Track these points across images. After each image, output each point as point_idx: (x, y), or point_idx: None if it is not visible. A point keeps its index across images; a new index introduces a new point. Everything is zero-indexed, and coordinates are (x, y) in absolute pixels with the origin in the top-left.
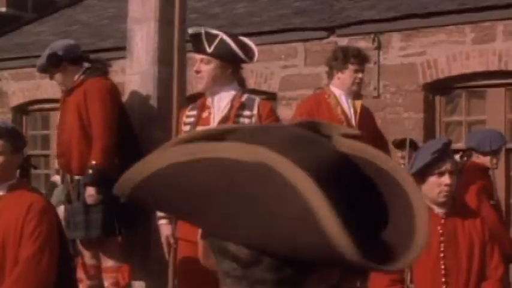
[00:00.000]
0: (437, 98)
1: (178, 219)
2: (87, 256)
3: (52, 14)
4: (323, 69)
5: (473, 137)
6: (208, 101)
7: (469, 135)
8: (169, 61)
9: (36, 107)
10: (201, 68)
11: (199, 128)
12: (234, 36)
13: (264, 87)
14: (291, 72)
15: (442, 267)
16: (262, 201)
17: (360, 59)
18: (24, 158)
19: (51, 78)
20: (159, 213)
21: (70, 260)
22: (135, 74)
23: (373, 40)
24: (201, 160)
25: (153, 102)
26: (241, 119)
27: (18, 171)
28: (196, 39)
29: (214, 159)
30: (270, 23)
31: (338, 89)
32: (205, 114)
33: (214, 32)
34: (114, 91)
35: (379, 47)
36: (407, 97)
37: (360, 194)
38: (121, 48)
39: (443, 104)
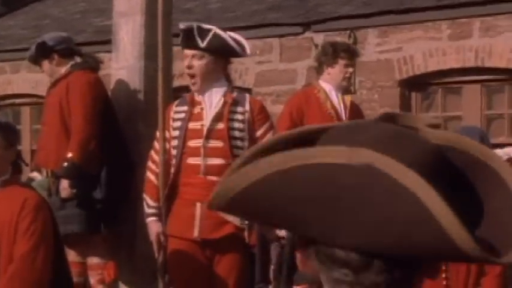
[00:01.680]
0: (414, 94)
1: (278, 228)
2: (72, 253)
3: (22, 8)
4: (299, 65)
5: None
6: (198, 96)
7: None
8: (155, 55)
9: (7, 102)
10: (193, 64)
11: (191, 124)
12: (225, 31)
13: (238, 83)
14: (266, 68)
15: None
16: (370, 204)
17: (350, 53)
18: (17, 153)
19: (41, 68)
20: (148, 210)
21: (65, 256)
22: (121, 68)
23: (349, 36)
24: (301, 167)
25: (140, 97)
26: (235, 115)
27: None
28: (188, 34)
29: (314, 165)
30: (245, 18)
31: (328, 84)
32: (196, 110)
33: (207, 26)
34: (97, 85)
35: (355, 43)
36: (383, 93)
37: (458, 186)
38: (93, 43)
39: (419, 100)
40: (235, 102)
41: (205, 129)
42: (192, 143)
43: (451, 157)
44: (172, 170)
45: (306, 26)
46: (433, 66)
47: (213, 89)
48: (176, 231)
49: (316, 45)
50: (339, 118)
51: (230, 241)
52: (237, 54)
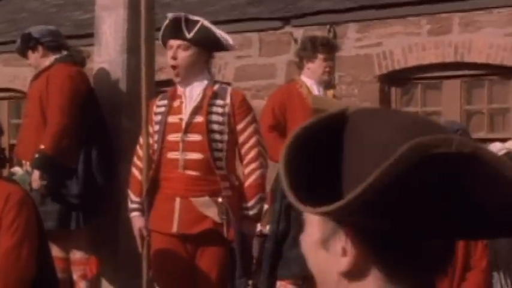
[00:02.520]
0: (393, 89)
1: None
2: (55, 249)
3: None
4: (278, 60)
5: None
6: (180, 90)
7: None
8: (138, 49)
9: None
10: (178, 55)
11: (170, 118)
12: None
13: (218, 78)
14: (245, 63)
15: None
16: (472, 191)
17: (329, 47)
18: (0, 148)
19: (28, 60)
20: (131, 205)
21: (49, 252)
22: (104, 62)
23: (329, 31)
24: (423, 158)
25: (122, 91)
26: (214, 108)
27: None
28: (175, 24)
29: (433, 155)
30: (224, 12)
31: (309, 79)
32: (176, 104)
33: (195, 18)
34: (78, 78)
35: (334, 38)
36: (362, 88)
37: None
38: (71, 37)
39: (399, 95)
40: (215, 95)
41: (183, 123)
42: (171, 137)
43: None
44: (153, 164)
45: (286, 20)
46: (412, 61)
47: (194, 82)
48: (157, 225)
49: (296, 40)
50: None
51: (210, 236)
52: (222, 47)
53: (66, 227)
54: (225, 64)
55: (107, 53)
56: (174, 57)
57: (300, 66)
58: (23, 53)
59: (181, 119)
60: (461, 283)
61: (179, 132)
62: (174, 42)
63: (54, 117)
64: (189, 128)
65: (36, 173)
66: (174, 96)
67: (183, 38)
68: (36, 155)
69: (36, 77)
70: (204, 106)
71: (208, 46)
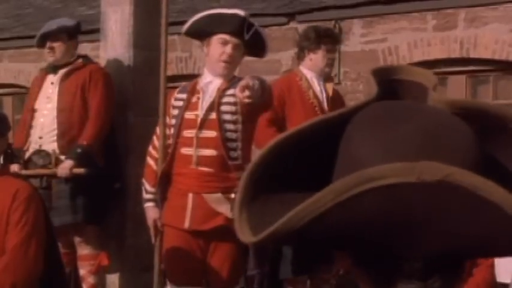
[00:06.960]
0: None
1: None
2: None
3: None
4: (283, 56)
5: None
6: (199, 85)
7: None
8: (144, 45)
9: None
10: (234, 53)
11: (187, 114)
12: None
13: None
14: (250, 58)
15: None
16: (446, 216)
17: (333, 38)
18: (8, 144)
19: (52, 46)
20: (146, 195)
21: (57, 247)
22: (110, 57)
23: (334, 26)
24: (366, 192)
25: (128, 86)
26: (226, 99)
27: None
28: (239, 22)
29: (377, 188)
30: (230, 8)
31: (309, 71)
32: (194, 99)
33: (251, 21)
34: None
35: (340, 33)
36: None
37: (491, 160)
38: None
39: None
40: (227, 88)
41: (199, 119)
42: (186, 133)
43: (475, 127)
44: (167, 158)
45: (291, 16)
46: (418, 57)
47: (215, 80)
48: (170, 220)
49: None
50: (321, 108)
51: (223, 232)
52: (262, 54)
53: (95, 223)
54: None
55: (113, 49)
56: (231, 55)
57: (300, 57)
58: (55, 38)
59: (197, 115)
60: (468, 279)
61: (194, 128)
62: (232, 39)
63: (100, 113)
64: (204, 124)
65: (70, 163)
66: (193, 91)
67: (241, 38)
68: (79, 150)
69: (68, 74)
70: (216, 101)
71: (253, 51)
